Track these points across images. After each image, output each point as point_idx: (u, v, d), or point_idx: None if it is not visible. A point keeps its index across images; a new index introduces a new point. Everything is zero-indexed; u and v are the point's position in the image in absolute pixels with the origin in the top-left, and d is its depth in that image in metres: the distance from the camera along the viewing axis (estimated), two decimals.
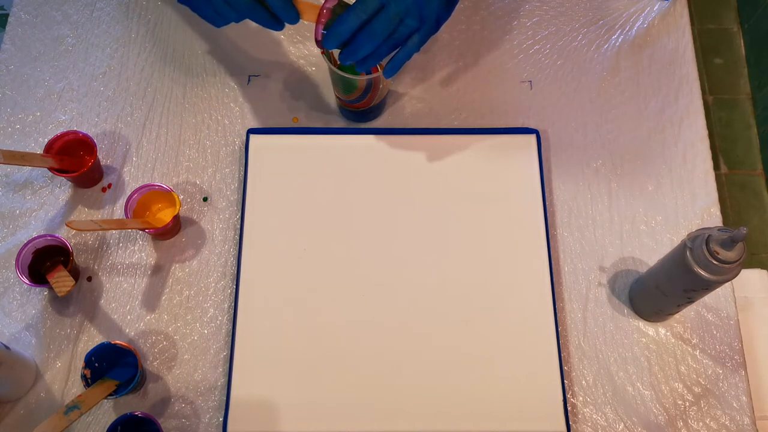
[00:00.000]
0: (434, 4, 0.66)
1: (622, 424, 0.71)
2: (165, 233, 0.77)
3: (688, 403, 0.72)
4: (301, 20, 0.66)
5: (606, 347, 0.74)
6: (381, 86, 0.77)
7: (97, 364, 0.69)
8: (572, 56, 0.89)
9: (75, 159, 0.79)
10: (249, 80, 0.87)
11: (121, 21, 0.91)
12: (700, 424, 0.71)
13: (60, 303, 0.76)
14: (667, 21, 0.91)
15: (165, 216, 0.78)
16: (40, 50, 0.90)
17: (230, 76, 0.88)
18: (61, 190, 0.82)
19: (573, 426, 0.71)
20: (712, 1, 1.87)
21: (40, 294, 0.77)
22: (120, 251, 0.78)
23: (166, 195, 0.77)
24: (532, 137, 0.82)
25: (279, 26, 0.67)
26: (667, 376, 0.73)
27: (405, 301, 0.75)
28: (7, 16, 1.45)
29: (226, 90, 0.87)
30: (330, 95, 0.86)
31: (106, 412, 0.72)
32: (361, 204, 0.79)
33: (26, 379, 0.72)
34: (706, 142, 0.84)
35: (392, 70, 0.69)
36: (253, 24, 0.67)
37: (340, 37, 0.64)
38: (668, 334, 0.75)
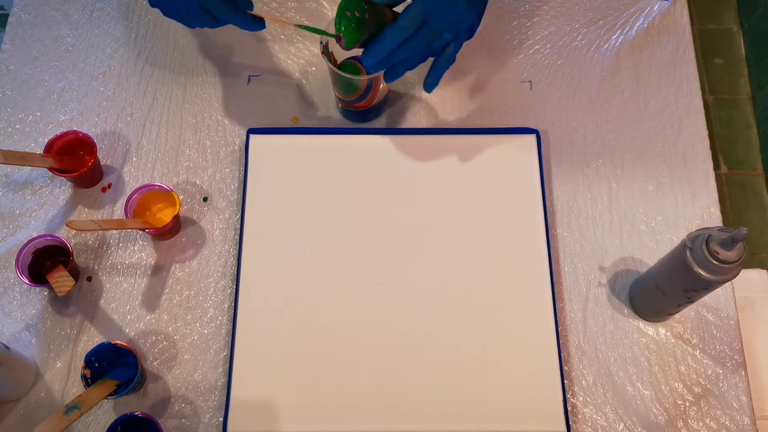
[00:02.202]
0: (472, 17, 0.66)
1: (622, 424, 0.71)
2: (165, 233, 0.77)
3: (688, 403, 0.72)
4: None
5: (606, 347, 0.74)
6: (381, 86, 0.77)
7: (97, 364, 0.69)
8: (572, 56, 0.89)
9: (75, 159, 0.79)
10: (249, 80, 0.87)
11: (121, 21, 0.91)
12: (700, 424, 0.71)
13: (60, 303, 0.76)
14: (667, 21, 0.91)
15: (165, 216, 0.78)
16: (40, 50, 0.90)
17: (230, 76, 0.88)
18: (61, 190, 0.82)
19: (573, 426, 0.71)
20: (712, 1, 1.87)
21: (40, 294, 0.77)
22: (120, 251, 0.78)
23: (166, 195, 0.77)
24: (532, 137, 0.82)
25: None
26: (667, 376, 0.73)
27: (405, 301, 0.75)
28: (7, 16, 1.45)
29: (226, 90, 0.87)
30: (330, 95, 0.86)
31: (106, 412, 0.72)
32: (361, 204, 0.79)
33: (26, 379, 0.72)
34: (706, 142, 0.84)
35: (433, 84, 0.70)
36: None
37: (381, 54, 0.64)
38: (668, 334, 0.75)
